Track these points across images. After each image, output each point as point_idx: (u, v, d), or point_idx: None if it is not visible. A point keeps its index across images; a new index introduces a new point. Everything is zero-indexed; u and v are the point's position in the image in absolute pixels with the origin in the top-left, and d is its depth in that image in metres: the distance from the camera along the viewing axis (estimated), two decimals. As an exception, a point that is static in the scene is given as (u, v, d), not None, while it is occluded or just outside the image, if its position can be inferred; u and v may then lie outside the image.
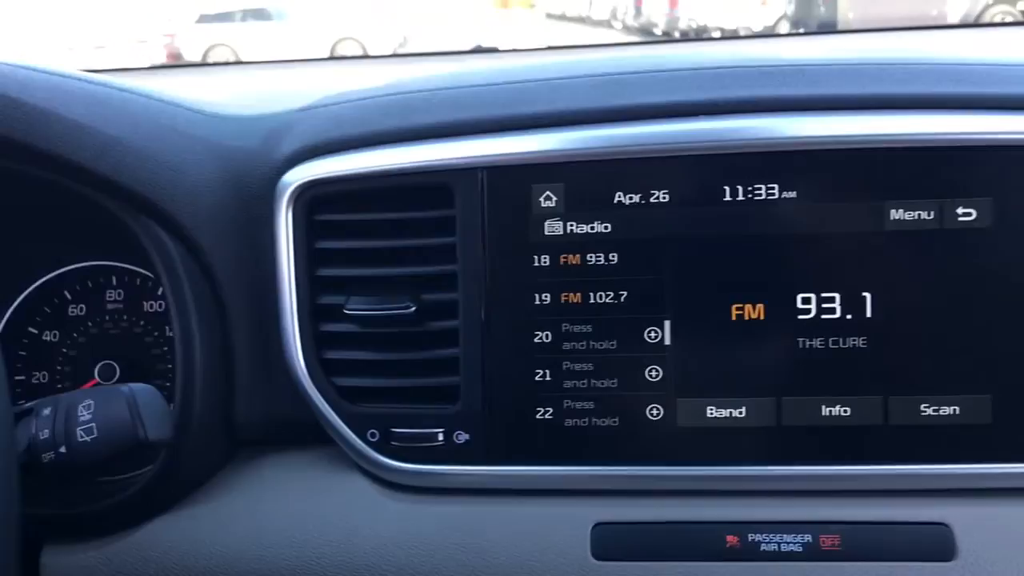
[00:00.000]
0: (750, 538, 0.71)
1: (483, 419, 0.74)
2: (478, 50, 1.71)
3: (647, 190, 0.72)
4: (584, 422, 0.74)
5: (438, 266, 0.74)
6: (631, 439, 0.74)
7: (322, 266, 0.77)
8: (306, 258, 0.76)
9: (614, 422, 0.74)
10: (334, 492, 0.78)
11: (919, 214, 0.70)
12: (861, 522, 0.71)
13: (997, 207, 0.69)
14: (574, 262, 0.73)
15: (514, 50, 1.91)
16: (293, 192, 0.75)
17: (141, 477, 0.78)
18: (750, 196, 0.71)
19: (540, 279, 0.73)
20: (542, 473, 0.75)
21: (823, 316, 0.71)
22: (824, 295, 0.71)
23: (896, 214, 0.70)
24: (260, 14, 18.79)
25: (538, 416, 0.74)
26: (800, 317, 0.71)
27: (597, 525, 0.73)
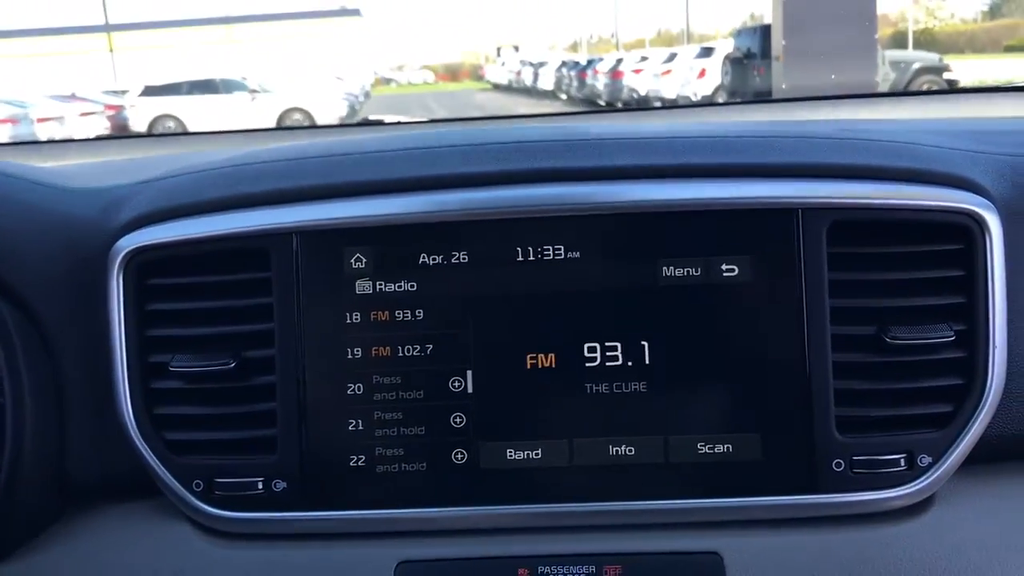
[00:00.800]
0: (540, 570, 0.77)
1: (299, 468, 0.79)
2: (365, 123, 1.79)
3: (448, 252, 0.79)
4: (395, 468, 0.79)
5: (256, 324, 0.80)
6: (438, 482, 0.79)
7: (151, 327, 0.82)
8: (136, 319, 0.81)
9: (422, 467, 0.79)
10: (162, 541, 0.82)
11: (688, 270, 0.77)
12: (641, 553, 0.77)
13: (756, 264, 0.77)
14: (383, 318, 0.79)
15: (398, 123, 2.00)
16: (124, 257, 0.81)
17: None
18: (540, 256, 0.78)
19: (352, 335, 0.79)
20: (355, 517, 0.80)
21: (607, 363, 0.78)
22: (608, 344, 0.78)
23: (668, 271, 0.78)
24: (207, 86, 18.95)
25: (351, 464, 0.79)
26: (587, 365, 0.78)
27: (401, 563, 0.78)
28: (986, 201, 0.78)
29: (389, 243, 0.79)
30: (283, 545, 0.80)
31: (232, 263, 0.81)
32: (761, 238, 0.77)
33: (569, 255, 0.78)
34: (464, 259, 0.79)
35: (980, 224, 0.77)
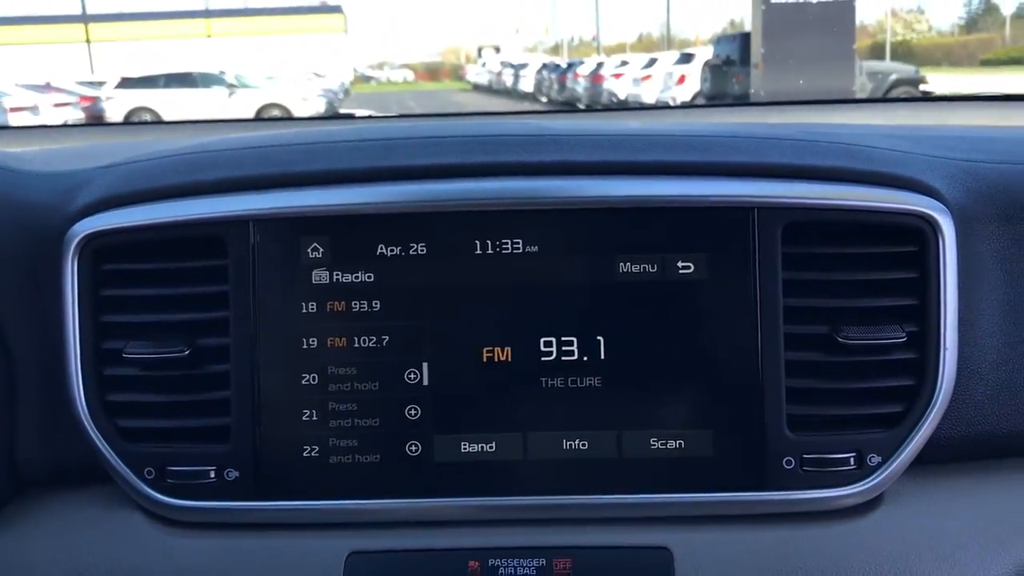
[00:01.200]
0: (490, 563, 0.77)
1: (252, 457, 0.79)
2: (335, 116, 1.79)
3: (406, 243, 0.79)
4: (348, 459, 0.79)
5: (211, 312, 0.80)
6: (392, 474, 0.79)
7: (106, 313, 0.81)
8: (91, 305, 0.81)
9: (376, 458, 0.79)
10: (112, 528, 0.82)
11: (644, 267, 0.78)
12: (591, 547, 0.78)
13: (712, 262, 0.78)
14: (339, 309, 0.79)
15: (369, 116, 2.00)
16: (80, 242, 0.80)
17: None
18: (498, 250, 0.78)
19: (307, 325, 0.79)
20: (307, 507, 0.79)
21: (563, 358, 0.78)
22: (564, 339, 0.78)
23: (624, 267, 0.78)
24: (185, 80, 18.81)
25: (304, 454, 0.79)
26: (543, 359, 0.78)
27: (352, 554, 0.78)
28: (940, 204, 0.79)
29: (347, 233, 0.79)
30: (234, 534, 0.80)
31: (188, 250, 0.80)
32: (717, 236, 0.78)
33: (527, 249, 0.78)
34: (422, 251, 0.79)
35: (934, 227, 0.78)
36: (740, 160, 0.81)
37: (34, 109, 13.87)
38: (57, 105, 15.08)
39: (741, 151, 0.81)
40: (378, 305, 0.79)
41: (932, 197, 0.80)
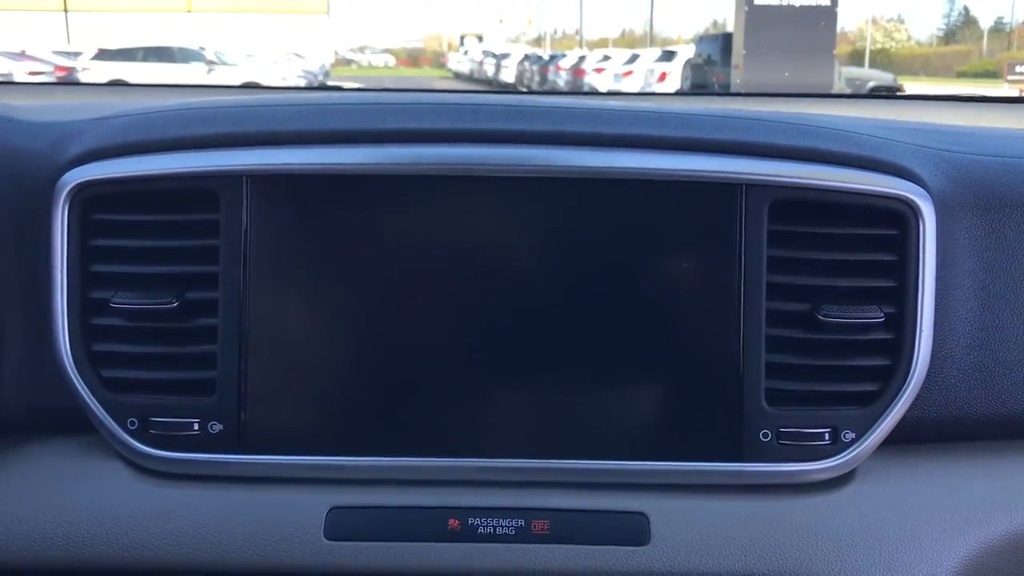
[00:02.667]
0: (470, 522, 0.79)
1: (237, 411, 0.80)
2: (323, 87, 1.79)
3: (398, 205, 0.79)
4: (333, 416, 0.80)
5: (201, 266, 0.80)
6: (375, 432, 0.80)
7: (94, 262, 0.81)
8: (79, 254, 0.81)
9: (360, 416, 0.80)
10: (93, 477, 0.82)
11: (631, 240, 0.79)
12: (569, 510, 0.79)
13: (697, 236, 0.79)
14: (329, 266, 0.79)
15: (358, 90, 1.99)
16: (70, 191, 0.80)
17: None
18: (486, 216, 0.79)
19: (297, 282, 0.79)
20: (290, 462, 0.80)
21: (549, 326, 0.79)
22: (551, 307, 0.79)
23: (611, 239, 0.79)
24: (163, 54, 18.59)
25: (289, 410, 0.80)
26: (530, 325, 0.79)
27: (332, 509, 0.79)
28: (922, 190, 0.81)
29: (339, 192, 0.79)
30: (216, 486, 0.81)
31: (180, 203, 0.80)
32: (704, 211, 0.79)
33: (514, 215, 0.79)
34: (415, 211, 0.79)
35: (915, 212, 0.80)
36: (730, 138, 0.82)
37: (7, 77, 13.66)
38: (31, 74, 14.86)
39: (731, 129, 0.83)
40: (368, 265, 0.79)
41: (914, 183, 0.82)
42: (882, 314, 0.80)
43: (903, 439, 0.83)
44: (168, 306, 0.79)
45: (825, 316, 0.79)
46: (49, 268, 0.81)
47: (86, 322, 0.81)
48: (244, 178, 0.79)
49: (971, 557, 0.81)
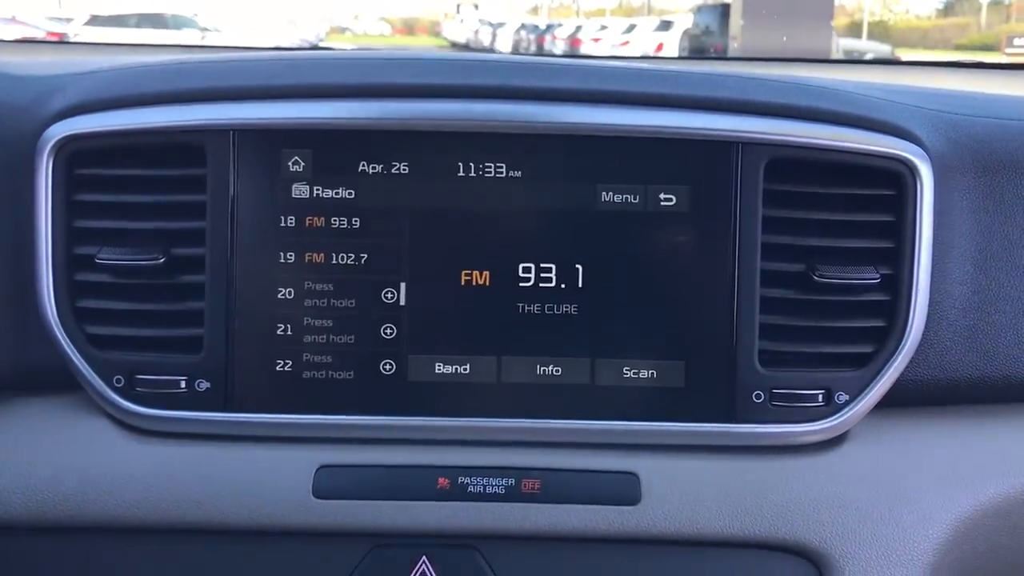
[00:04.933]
0: (459, 480, 0.78)
1: (224, 369, 0.79)
2: (314, 48, 1.77)
3: (389, 161, 0.78)
4: (322, 375, 0.79)
5: (188, 222, 0.79)
6: (365, 392, 0.79)
7: (79, 218, 0.80)
8: (64, 209, 0.79)
9: (349, 375, 0.79)
10: (79, 435, 0.81)
11: (626, 197, 0.78)
12: (560, 469, 0.79)
13: (694, 195, 0.78)
14: (318, 224, 0.78)
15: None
16: (55, 145, 0.79)
17: None
18: (481, 173, 0.78)
19: (286, 239, 0.78)
20: (278, 421, 0.79)
21: (541, 284, 0.78)
22: (542, 265, 0.78)
23: (606, 196, 0.78)
24: (156, 20, 18.41)
25: (278, 368, 0.79)
26: (521, 284, 0.78)
27: (321, 467, 0.78)
28: (920, 151, 0.80)
29: (329, 148, 0.78)
30: (203, 444, 0.80)
31: (166, 158, 0.79)
32: (700, 169, 0.78)
33: (510, 174, 0.78)
34: (404, 170, 0.78)
35: (913, 172, 0.79)
36: (727, 96, 0.81)
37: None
38: (22, 39, 14.70)
39: (728, 88, 0.82)
40: (357, 222, 0.78)
41: (913, 143, 0.80)
42: (878, 275, 0.79)
43: (897, 402, 0.83)
44: (154, 262, 0.78)
45: (820, 277, 0.78)
46: (33, 223, 0.79)
47: (71, 278, 0.80)
48: (232, 132, 0.78)
49: (964, 519, 0.81)
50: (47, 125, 0.80)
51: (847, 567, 0.78)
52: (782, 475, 0.80)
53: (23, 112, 0.82)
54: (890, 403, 0.82)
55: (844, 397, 0.80)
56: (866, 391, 0.80)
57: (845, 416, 0.80)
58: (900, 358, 0.80)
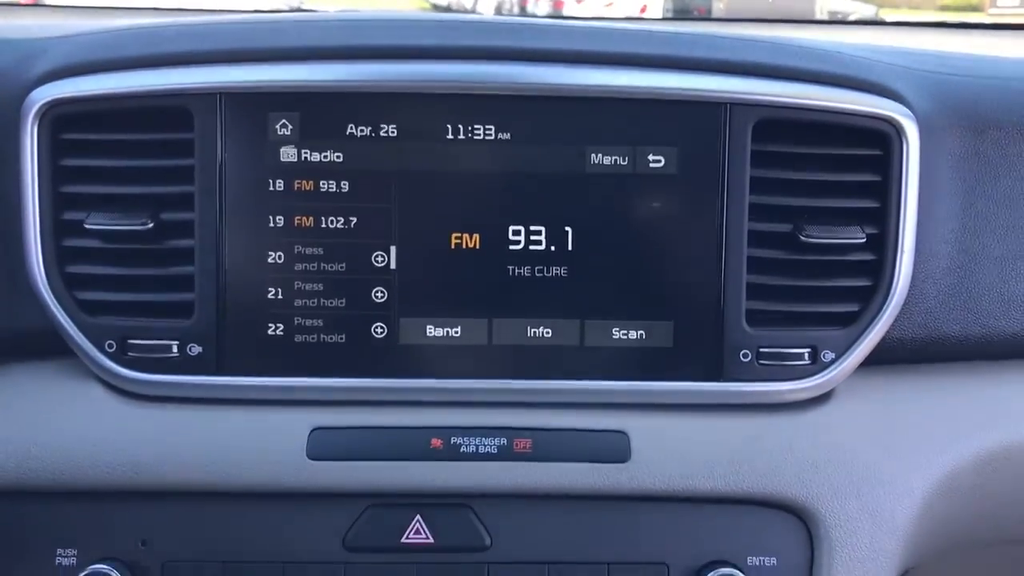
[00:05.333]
0: (452, 440, 0.79)
1: (215, 333, 0.79)
2: (298, 10, 1.75)
3: (377, 124, 0.78)
4: (313, 338, 0.79)
5: (176, 186, 0.78)
6: (357, 355, 0.79)
7: (65, 183, 0.79)
8: (50, 175, 0.79)
9: (341, 339, 0.79)
10: (71, 400, 0.81)
11: (615, 159, 0.78)
12: (551, 428, 0.80)
13: (682, 156, 0.78)
14: (307, 188, 0.78)
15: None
16: (39, 110, 0.78)
17: None
18: (470, 135, 0.78)
19: (274, 202, 0.78)
20: (270, 384, 0.80)
21: (531, 247, 0.79)
22: (532, 227, 0.79)
23: (595, 158, 0.78)
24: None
25: (269, 332, 0.79)
26: (511, 247, 0.79)
27: (315, 430, 0.79)
28: (907, 111, 0.80)
29: (316, 111, 0.78)
30: (196, 408, 0.80)
31: (153, 122, 0.78)
32: (688, 131, 0.78)
33: (499, 136, 0.78)
34: (392, 133, 0.78)
35: (899, 132, 0.79)
36: (715, 56, 0.81)
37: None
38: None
39: (716, 48, 0.82)
40: (346, 186, 0.78)
41: (899, 103, 0.81)
42: (864, 235, 0.80)
43: (882, 359, 0.84)
44: (143, 227, 0.78)
45: (807, 237, 0.79)
46: (19, 189, 0.79)
47: (60, 244, 0.79)
48: (219, 96, 0.77)
49: (947, 473, 0.82)
50: (30, 89, 0.79)
51: (833, 520, 0.80)
52: (769, 432, 0.81)
53: (5, 76, 0.81)
54: (876, 361, 0.83)
55: (830, 355, 0.81)
56: (852, 349, 0.81)
57: (831, 374, 0.81)
58: (885, 317, 0.81)
